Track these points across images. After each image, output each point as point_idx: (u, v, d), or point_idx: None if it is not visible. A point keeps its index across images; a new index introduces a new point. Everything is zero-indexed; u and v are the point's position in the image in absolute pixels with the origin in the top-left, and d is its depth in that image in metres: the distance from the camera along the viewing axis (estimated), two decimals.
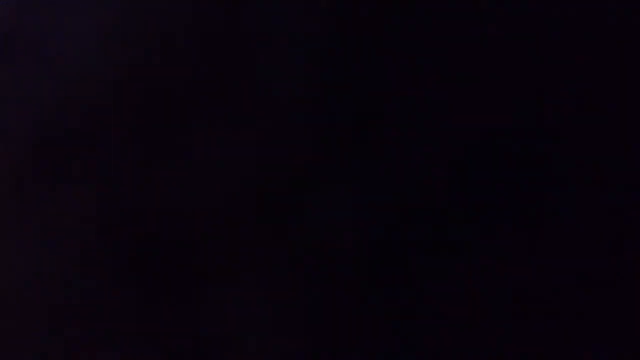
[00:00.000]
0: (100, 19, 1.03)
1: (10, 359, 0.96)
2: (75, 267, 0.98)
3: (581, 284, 0.94)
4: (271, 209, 0.97)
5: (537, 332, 0.93)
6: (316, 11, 1.01)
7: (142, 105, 1.00)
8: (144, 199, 0.98)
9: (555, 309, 0.93)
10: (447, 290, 0.94)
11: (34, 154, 1.01)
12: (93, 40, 1.02)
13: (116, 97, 1.01)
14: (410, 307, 0.94)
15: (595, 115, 0.97)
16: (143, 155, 0.99)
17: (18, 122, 1.01)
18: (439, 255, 0.95)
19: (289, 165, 0.98)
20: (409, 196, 0.96)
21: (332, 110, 0.99)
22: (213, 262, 0.97)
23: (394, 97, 0.98)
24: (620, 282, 0.93)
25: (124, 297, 0.97)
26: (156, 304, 0.96)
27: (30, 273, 0.98)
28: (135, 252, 0.97)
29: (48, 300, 0.97)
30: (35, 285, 0.98)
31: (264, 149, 0.98)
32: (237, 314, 0.95)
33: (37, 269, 0.98)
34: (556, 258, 0.94)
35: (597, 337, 0.93)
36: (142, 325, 0.96)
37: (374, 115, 0.98)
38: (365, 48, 1.00)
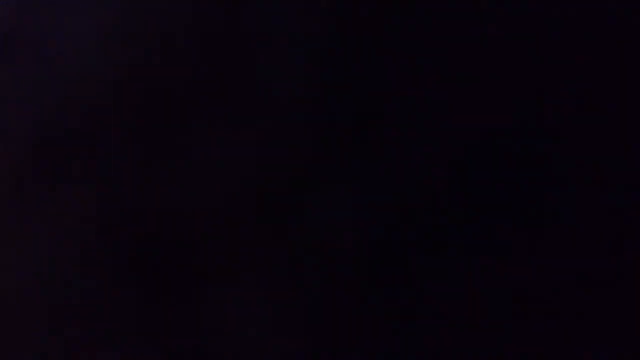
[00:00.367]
0: (100, 19, 1.03)
1: (11, 359, 0.97)
2: (75, 267, 0.98)
3: (581, 283, 0.94)
4: (271, 209, 0.97)
5: (537, 332, 0.93)
6: (316, 11, 1.01)
7: (142, 105, 1.01)
8: (144, 199, 0.98)
9: (555, 309, 0.93)
10: (447, 290, 0.94)
11: (34, 154, 1.01)
12: (93, 40, 1.02)
13: (116, 97, 1.01)
14: (411, 307, 0.94)
15: (595, 115, 0.97)
16: (143, 155, 0.99)
17: (18, 122, 1.01)
18: (439, 255, 0.95)
19: (289, 165, 0.98)
20: (409, 196, 0.96)
21: (332, 110, 0.99)
22: (213, 262, 0.97)
23: (394, 97, 0.98)
24: (620, 282, 0.93)
25: (124, 297, 0.97)
26: (156, 304, 0.96)
27: (30, 273, 0.98)
28: (135, 252, 0.97)
29: (48, 300, 0.97)
30: (35, 285, 0.98)
31: (264, 149, 0.98)
32: (237, 314, 0.95)
33: (37, 268, 0.98)
34: (556, 258, 0.94)
35: (597, 337, 0.93)
36: (142, 325, 0.96)
37: (374, 115, 0.98)
38: (366, 48, 1.00)
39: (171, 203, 0.98)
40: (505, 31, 0.99)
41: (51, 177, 1.00)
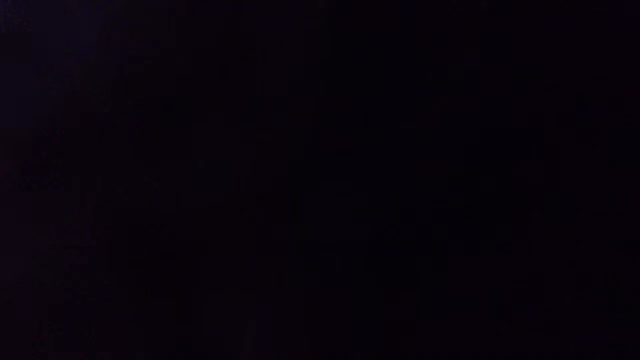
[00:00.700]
0: (100, 18, 1.03)
1: (9, 358, 0.96)
2: (74, 267, 0.98)
3: (582, 283, 0.94)
4: (271, 209, 0.97)
5: (538, 332, 0.93)
6: (316, 9, 1.01)
7: (142, 105, 1.00)
8: (143, 199, 0.98)
9: (556, 309, 0.93)
10: (448, 290, 0.94)
11: (33, 153, 1.00)
12: (92, 39, 1.02)
13: (116, 96, 1.01)
14: (412, 307, 0.94)
15: (595, 115, 0.97)
16: (142, 154, 0.99)
17: (17, 122, 1.01)
18: (439, 255, 0.95)
19: (289, 165, 0.98)
20: (410, 196, 0.96)
21: (332, 109, 0.99)
22: (212, 262, 0.97)
23: (394, 97, 0.98)
24: (621, 281, 0.93)
25: (123, 296, 0.97)
26: (155, 304, 0.96)
27: (28, 273, 0.98)
28: (135, 252, 0.97)
29: (47, 299, 0.97)
30: (34, 284, 0.98)
31: (264, 149, 0.98)
32: (237, 315, 0.95)
33: (36, 268, 0.98)
34: (557, 258, 0.94)
35: (598, 337, 0.93)
36: (140, 325, 0.96)
37: (374, 114, 0.98)
38: (366, 47, 1.00)
39: (171, 202, 0.98)
40: (506, 31, 0.98)
41: (50, 177, 1.00)
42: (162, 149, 0.99)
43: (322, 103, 0.99)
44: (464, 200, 0.96)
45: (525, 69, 0.98)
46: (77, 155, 1.00)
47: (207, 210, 0.98)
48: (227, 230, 0.97)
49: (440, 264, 0.95)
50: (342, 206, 0.96)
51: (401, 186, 0.96)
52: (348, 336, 0.94)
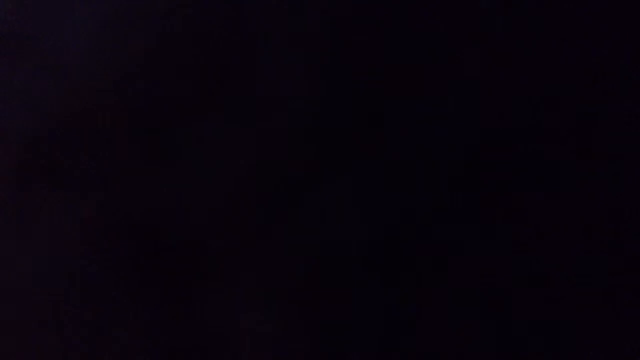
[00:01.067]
0: (99, 17, 1.03)
1: (11, 356, 0.96)
2: (75, 267, 0.98)
3: (583, 283, 0.94)
4: (271, 209, 0.97)
5: (539, 332, 0.93)
6: (317, 10, 1.01)
7: (141, 104, 1.00)
8: (143, 199, 0.98)
9: (557, 309, 0.93)
10: (447, 290, 0.94)
11: (33, 153, 1.00)
12: (92, 39, 1.02)
13: (115, 96, 1.01)
14: (411, 306, 0.94)
15: (595, 115, 0.97)
16: (143, 155, 0.99)
17: (17, 122, 1.01)
18: (440, 255, 0.95)
19: (289, 165, 0.98)
20: (410, 196, 0.96)
21: (332, 109, 0.99)
22: (213, 261, 0.97)
23: (395, 97, 0.98)
24: (621, 281, 0.93)
25: (123, 296, 0.97)
26: (155, 304, 0.96)
27: (29, 272, 0.98)
28: (135, 251, 0.97)
29: (48, 298, 0.97)
30: (35, 284, 0.98)
31: (264, 149, 0.98)
32: (237, 314, 0.95)
33: (37, 268, 0.98)
34: (558, 258, 0.94)
35: (598, 337, 0.93)
36: (141, 324, 0.96)
37: (374, 114, 0.98)
38: (367, 46, 1.00)
39: (171, 202, 0.98)
40: (507, 31, 0.98)
41: (50, 176, 1.00)
42: (162, 148, 0.99)
43: (322, 103, 0.99)
44: (464, 200, 0.96)
45: (525, 69, 0.98)
46: (77, 155, 1.00)
47: (207, 210, 0.98)
48: (227, 230, 0.97)
49: (440, 264, 0.95)
50: (342, 206, 0.96)
51: (401, 186, 0.96)
52: (348, 335, 0.94)
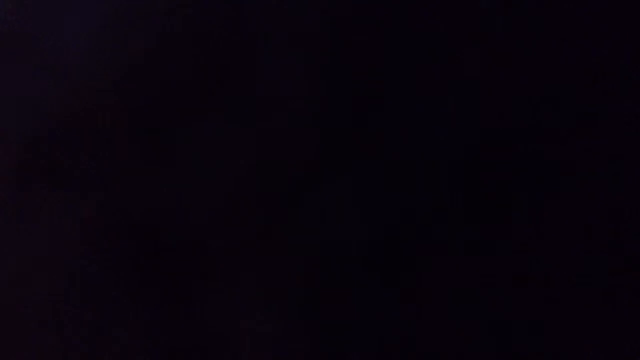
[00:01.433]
0: (99, 17, 1.03)
1: (13, 356, 0.96)
2: (75, 267, 0.98)
3: (583, 283, 0.94)
4: (271, 209, 0.97)
5: (539, 332, 0.93)
6: (317, 10, 1.01)
7: (141, 104, 1.00)
8: (143, 199, 0.98)
9: (557, 309, 0.93)
10: (448, 290, 0.94)
11: (33, 153, 1.00)
12: (92, 39, 1.02)
13: (115, 96, 1.01)
14: (411, 306, 0.94)
15: (595, 115, 0.97)
16: (143, 155, 0.99)
17: (17, 122, 1.01)
18: (440, 254, 0.95)
19: (289, 165, 0.98)
20: (410, 196, 0.96)
21: (333, 109, 0.99)
22: (213, 261, 0.97)
23: (395, 96, 0.98)
24: (621, 281, 0.93)
25: (123, 296, 0.97)
26: (155, 304, 0.96)
27: (30, 272, 0.98)
28: (135, 252, 0.97)
29: (48, 298, 0.97)
30: (35, 284, 0.98)
31: (264, 149, 0.98)
32: (237, 314, 0.95)
33: (37, 268, 0.98)
34: (558, 258, 0.94)
35: (598, 337, 0.93)
36: (141, 324, 0.96)
37: (375, 114, 0.98)
38: (367, 46, 1.00)
39: (171, 202, 0.98)
40: (507, 30, 0.98)
41: (50, 176, 1.00)
42: (162, 148, 0.99)
43: (322, 103, 0.99)
44: (464, 200, 0.96)
45: (525, 68, 0.98)
46: (77, 155, 1.00)
47: (207, 210, 0.98)
48: (227, 230, 0.97)
49: (440, 264, 0.95)
50: (342, 206, 0.96)
51: (401, 186, 0.96)
52: (348, 335, 0.94)
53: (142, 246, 0.97)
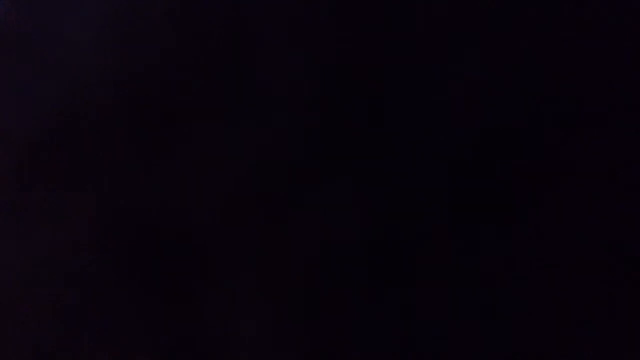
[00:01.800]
0: (98, 17, 1.03)
1: (13, 356, 0.96)
2: (75, 267, 0.98)
3: (583, 283, 0.94)
4: (271, 208, 0.97)
5: (539, 332, 0.93)
6: (317, 10, 1.01)
7: (141, 104, 1.00)
8: (143, 198, 0.98)
9: (557, 309, 0.93)
10: (447, 290, 0.94)
11: (32, 153, 1.01)
12: (91, 39, 1.02)
13: (115, 96, 1.01)
14: (411, 306, 0.94)
15: (595, 114, 0.97)
16: (143, 155, 0.99)
17: (17, 122, 1.01)
18: (440, 254, 0.95)
19: (289, 165, 0.98)
20: (410, 195, 0.96)
21: (332, 108, 0.99)
22: (213, 260, 0.97)
23: (395, 96, 0.98)
24: (621, 281, 0.93)
25: (123, 296, 0.97)
26: (155, 304, 0.96)
27: (30, 272, 0.98)
28: (135, 252, 0.97)
29: (48, 298, 0.97)
30: (35, 283, 0.98)
31: (264, 148, 0.98)
32: (237, 314, 0.95)
33: (37, 268, 0.98)
34: (558, 258, 0.94)
35: (598, 338, 0.93)
36: (141, 323, 0.96)
37: (375, 113, 0.98)
38: (367, 46, 1.00)
39: (171, 202, 0.98)
40: (507, 30, 0.98)
41: (49, 177, 1.00)
42: (162, 148, 0.99)
43: (322, 103, 0.99)
44: (464, 200, 0.96)
45: (524, 68, 0.98)
46: (77, 155, 1.00)
47: (207, 210, 0.98)
48: (227, 230, 0.97)
49: (440, 264, 0.95)
50: (342, 206, 0.96)
51: (401, 186, 0.96)
52: (347, 335, 0.94)
53: (142, 246, 0.97)
